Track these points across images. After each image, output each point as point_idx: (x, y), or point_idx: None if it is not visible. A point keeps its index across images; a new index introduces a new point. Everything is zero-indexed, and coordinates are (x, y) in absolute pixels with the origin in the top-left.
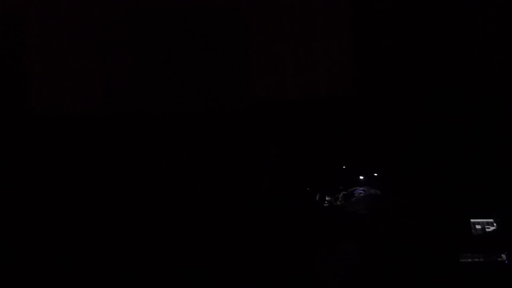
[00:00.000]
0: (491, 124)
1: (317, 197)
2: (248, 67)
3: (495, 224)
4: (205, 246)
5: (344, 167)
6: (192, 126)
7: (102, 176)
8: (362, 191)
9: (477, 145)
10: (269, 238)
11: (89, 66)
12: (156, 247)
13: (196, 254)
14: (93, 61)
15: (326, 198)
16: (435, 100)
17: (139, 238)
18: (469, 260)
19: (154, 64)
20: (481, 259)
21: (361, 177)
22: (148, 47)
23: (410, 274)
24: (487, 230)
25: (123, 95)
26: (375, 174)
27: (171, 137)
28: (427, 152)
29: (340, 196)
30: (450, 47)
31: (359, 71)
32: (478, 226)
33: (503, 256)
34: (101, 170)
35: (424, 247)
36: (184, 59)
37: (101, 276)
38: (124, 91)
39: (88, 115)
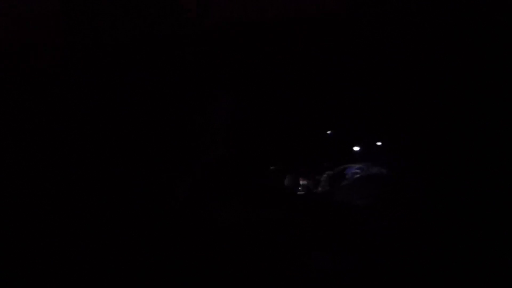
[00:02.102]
0: None
1: (287, 180)
2: None
3: None
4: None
5: (329, 131)
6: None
7: None
8: (357, 171)
9: None
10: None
11: None
12: None
13: None
14: None
15: (301, 182)
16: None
17: None
18: None
19: None
20: None
21: (356, 148)
22: None
23: None
24: None
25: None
26: (378, 143)
27: (120, 67)
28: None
29: (323, 178)
30: None
31: None
32: None
33: None
34: None
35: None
36: None
37: None
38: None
39: None
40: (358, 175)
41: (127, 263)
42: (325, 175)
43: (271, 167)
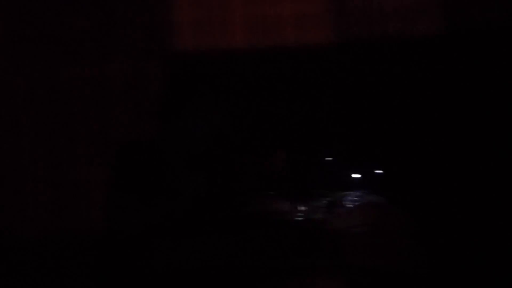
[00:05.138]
0: None
1: (286, 206)
2: None
3: None
4: None
5: (328, 157)
6: None
7: None
8: (356, 198)
9: None
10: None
11: None
12: None
13: None
14: None
15: (299, 208)
16: None
17: None
18: None
19: None
20: None
21: (356, 175)
22: None
23: None
24: None
25: None
26: (378, 171)
27: None
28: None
29: (321, 204)
30: None
31: None
32: None
33: None
34: None
35: None
36: None
37: None
38: None
39: None
40: (356, 203)
41: None
42: (324, 202)
43: (270, 192)
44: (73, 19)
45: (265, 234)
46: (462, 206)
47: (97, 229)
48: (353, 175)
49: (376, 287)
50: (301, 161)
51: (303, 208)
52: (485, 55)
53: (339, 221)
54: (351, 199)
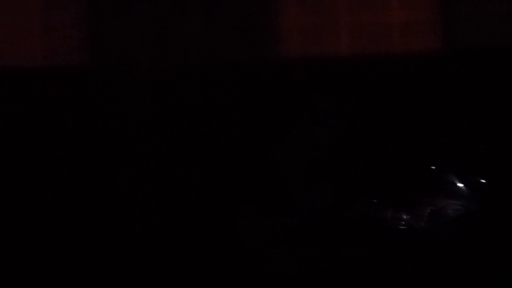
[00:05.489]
0: None
1: (389, 214)
2: None
3: None
4: None
5: (433, 166)
6: None
7: None
8: (460, 208)
9: None
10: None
11: None
12: None
13: None
14: None
15: (403, 217)
16: None
17: None
18: None
19: None
20: None
21: (460, 184)
22: None
23: None
24: None
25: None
26: (483, 181)
27: None
28: None
29: (425, 213)
30: None
31: None
32: None
33: None
34: None
35: None
36: None
37: None
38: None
39: None
40: (459, 212)
41: None
42: (427, 211)
43: (374, 200)
44: (182, 23)
45: (367, 241)
46: None
47: None
48: (457, 184)
49: None
50: (405, 169)
51: (405, 216)
52: None
53: (442, 231)
54: (454, 208)
